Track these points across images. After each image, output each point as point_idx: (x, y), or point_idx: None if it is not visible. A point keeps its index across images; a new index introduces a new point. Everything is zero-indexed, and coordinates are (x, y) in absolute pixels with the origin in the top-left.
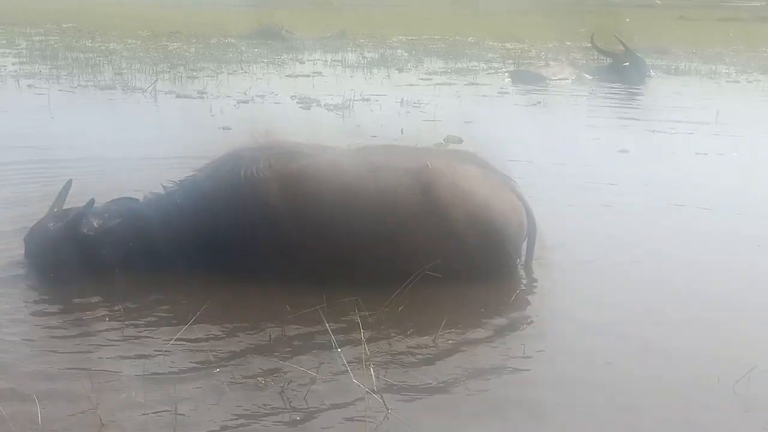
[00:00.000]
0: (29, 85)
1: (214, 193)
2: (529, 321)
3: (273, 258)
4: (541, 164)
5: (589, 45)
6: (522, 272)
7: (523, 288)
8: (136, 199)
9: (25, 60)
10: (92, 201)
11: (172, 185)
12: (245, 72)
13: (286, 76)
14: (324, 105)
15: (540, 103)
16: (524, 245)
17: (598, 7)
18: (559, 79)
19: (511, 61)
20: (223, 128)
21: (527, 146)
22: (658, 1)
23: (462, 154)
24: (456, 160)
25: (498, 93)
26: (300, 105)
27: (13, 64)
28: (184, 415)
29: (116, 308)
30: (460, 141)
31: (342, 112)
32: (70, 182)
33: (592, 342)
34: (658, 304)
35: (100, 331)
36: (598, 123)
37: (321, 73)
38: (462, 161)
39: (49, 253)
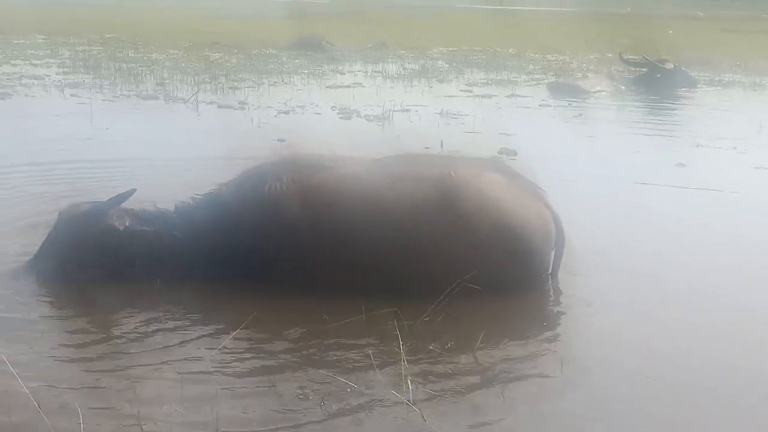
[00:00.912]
0: (72, 95)
1: (238, 209)
2: (566, 335)
3: (298, 271)
4: (596, 178)
5: (631, 57)
6: (555, 284)
7: (560, 300)
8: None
9: (68, 70)
10: (132, 190)
11: (199, 197)
12: (286, 83)
13: (327, 87)
14: (364, 116)
15: (581, 115)
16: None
17: (641, 18)
18: (598, 91)
19: (552, 73)
20: (278, 140)
21: (577, 160)
22: (701, 13)
23: (488, 162)
24: (481, 169)
25: (539, 105)
26: (340, 116)
27: (57, 74)
28: (224, 423)
29: (157, 318)
30: (515, 154)
31: (382, 122)
32: (133, 190)
33: (631, 356)
34: (699, 317)
35: (142, 340)
36: (642, 136)
37: (361, 84)
38: (488, 169)
39: (72, 231)
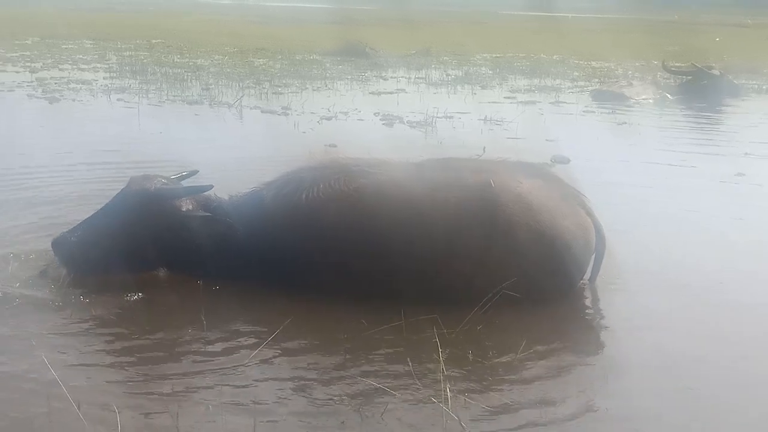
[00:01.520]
0: (119, 99)
1: (277, 215)
2: (610, 345)
3: (336, 276)
4: (643, 187)
5: (676, 64)
6: (595, 292)
7: (603, 309)
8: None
9: (115, 75)
10: (209, 186)
11: (237, 195)
12: (329, 88)
13: (370, 93)
14: (407, 122)
15: (626, 123)
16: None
17: (688, 26)
18: (642, 99)
19: (596, 80)
20: (329, 145)
21: (623, 168)
22: (749, 21)
23: (530, 167)
24: (523, 175)
25: (582, 112)
26: (383, 122)
27: (104, 79)
28: (261, 428)
29: (198, 321)
30: (568, 161)
31: (425, 129)
32: (195, 171)
33: (673, 368)
34: (751, 330)
35: (182, 342)
36: (692, 144)
37: (404, 90)
38: (529, 175)
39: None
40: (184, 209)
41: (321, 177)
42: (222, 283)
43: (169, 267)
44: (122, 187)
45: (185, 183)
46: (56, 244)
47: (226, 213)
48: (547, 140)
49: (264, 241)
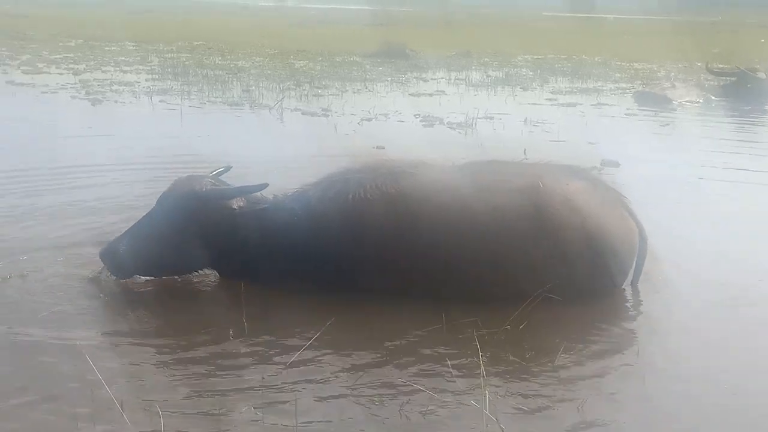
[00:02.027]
0: (161, 101)
1: (323, 216)
2: (650, 349)
3: (382, 278)
4: (696, 189)
5: (719, 66)
6: (637, 294)
7: (644, 312)
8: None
9: (157, 77)
10: (264, 185)
11: (281, 197)
12: (369, 90)
13: (410, 94)
14: (447, 123)
15: (669, 125)
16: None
17: (732, 27)
18: (686, 101)
19: (639, 82)
20: (377, 147)
21: (667, 170)
22: None
23: (572, 169)
24: (568, 177)
25: (624, 114)
26: (423, 123)
27: (146, 81)
28: (303, 429)
29: (240, 323)
30: (618, 165)
31: (465, 130)
32: (229, 167)
33: (718, 371)
34: None
35: (223, 343)
36: (735, 146)
37: (444, 91)
38: (574, 177)
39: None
40: (236, 210)
41: (367, 178)
42: (264, 284)
43: (217, 269)
44: (165, 190)
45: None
46: (105, 253)
47: (276, 213)
48: (589, 143)
49: (311, 242)
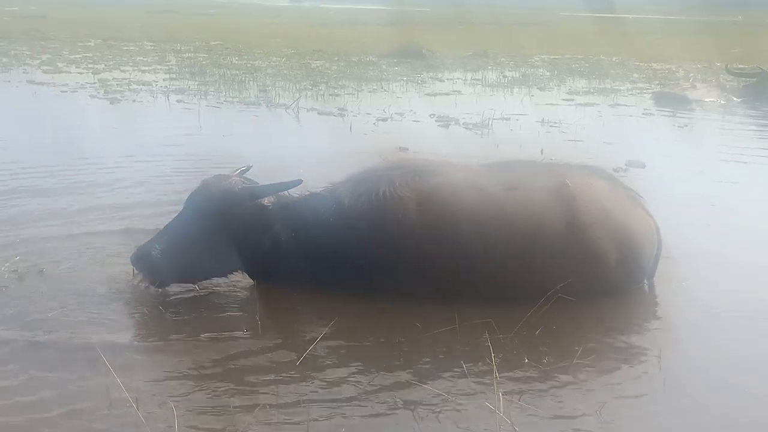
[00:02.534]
0: (178, 100)
1: (353, 211)
2: (670, 350)
3: (412, 276)
4: (717, 189)
5: (741, 66)
6: (654, 294)
7: (663, 313)
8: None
9: (174, 76)
10: (299, 180)
11: (309, 194)
12: (385, 90)
13: (426, 94)
14: (463, 123)
15: (686, 126)
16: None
17: (752, 27)
18: (707, 102)
19: (657, 82)
20: (400, 148)
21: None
22: None
23: (592, 169)
24: (590, 177)
25: (642, 114)
26: (438, 123)
27: (163, 80)
28: (315, 428)
29: (253, 321)
30: (643, 165)
31: (481, 130)
32: (249, 166)
33: (741, 375)
34: None
35: (237, 340)
36: (759, 146)
37: (460, 91)
38: (596, 178)
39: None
40: (270, 208)
41: (397, 175)
42: (280, 285)
43: (249, 271)
44: (194, 190)
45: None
46: (136, 259)
47: (306, 211)
48: (605, 142)
49: (343, 238)
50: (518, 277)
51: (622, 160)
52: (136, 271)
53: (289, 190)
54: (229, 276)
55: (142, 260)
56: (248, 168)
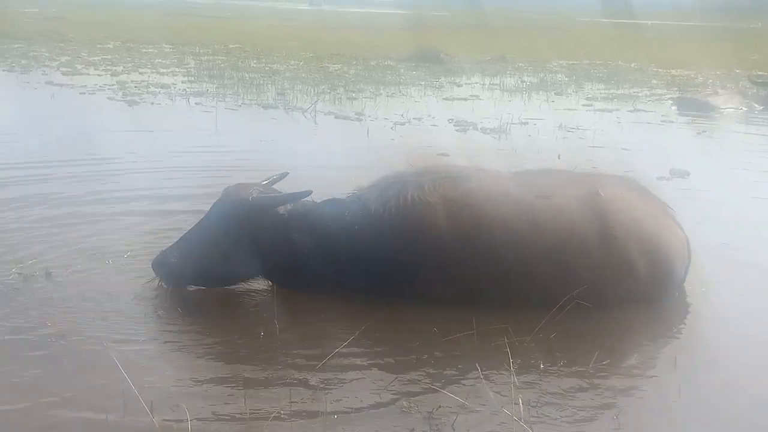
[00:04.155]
0: (197, 103)
1: (381, 216)
2: (688, 357)
3: (439, 282)
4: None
5: (761, 73)
6: (677, 302)
7: (684, 320)
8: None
9: (193, 79)
10: (308, 192)
11: (335, 201)
12: (403, 94)
13: (444, 98)
14: (480, 128)
15: (705, 132)
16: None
17: None
18: (728, 109)
19: (675, 89)
20: (441, 154)
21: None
22: None
23: (624, 179)
24: (621, 187)
25: (661, 120)
26: (456, 128)
27: (182, 83)
28: None
29: (271, 325)
30: (687, 174)
31: (498, 135)
32: (285, 174)
33: (754, 381)
34: None
35: (254, 346)
36: None
37: (478, 96)
38: (626, 188)
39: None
40: (286, 216)
41: (425, 181)
42: (318, 291)
43: (270, 278)
44: (216, 199)
45: (277, 187)
46: (157, 264)
47: (331, 216)
48: (623, 149)
49: (369, 244)
50: (547, 286)
51: (666, 168)
52: (156, 276)
53: (313, 197)
54: (247, 281)
55: (163, 266)
56: (283, 176)
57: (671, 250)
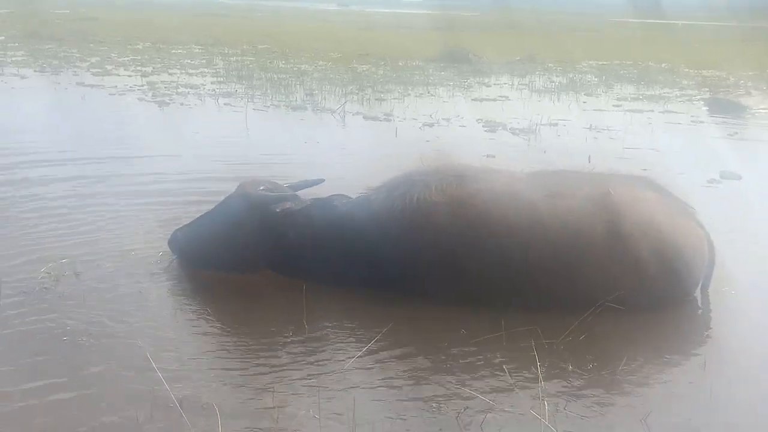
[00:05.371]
0: (226, 104)
1: (386, 216)
2: (717, 359)
3: (445, 282)
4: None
5: None
6: (705, 304)
7: (711, 323)
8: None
9: (222, 79)
10: (320, 180)
11: (345, 202)
12: (431, 95)
13: (472, 99)
14: (510, 129)
15: (737, 134)
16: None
17: None
18: (761, 110)
19: (706, 89)
20: (488, 156)
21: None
22: None
23: (639, 179)
24: (637, 187)
25: (691, 121)
26: (485, 129)
27: (211, 83)
28: None
29: (299, 325)
30: (739, 178)
31: (528, 136)
32: (321, 180)
33: None
34: None
35: (283, 344)
36: None
37: (507, 97)
38: (643, 188)
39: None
40: (280, 214)
41: (433, 181)
42: (326, 286)
43: (273, 269)
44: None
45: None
46: (171, 242)
47: (328, 215)
48: (653, 150)
49: (371, 242)
50: (553, 286)
51: (716, 170)
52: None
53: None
54: (274, 279)
55: (174, 243)
56: (318, 181)
57: (686, 250)
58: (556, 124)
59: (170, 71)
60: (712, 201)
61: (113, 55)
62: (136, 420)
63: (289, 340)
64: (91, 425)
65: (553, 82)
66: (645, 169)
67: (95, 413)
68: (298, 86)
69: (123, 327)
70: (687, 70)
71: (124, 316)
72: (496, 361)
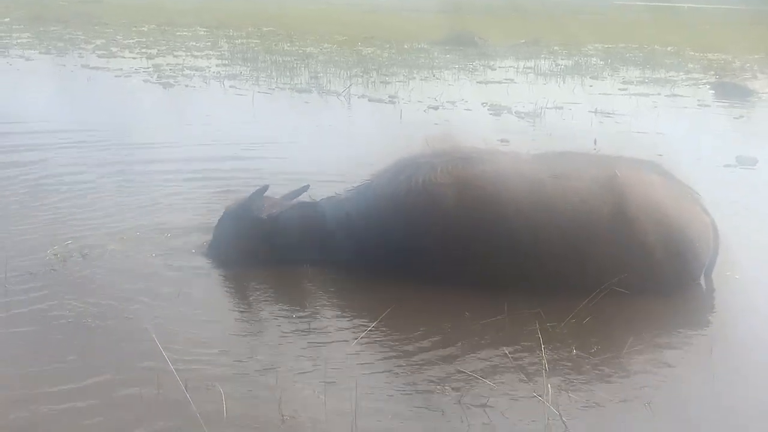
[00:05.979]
0: (231, 86)
1: (392, 199)
2: (722, 342)
3: (450, 265)
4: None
5: None
6: (710, 288)
7: (715, 305)
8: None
9: (227, 62)
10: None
11: (349, 190)
12: (437, 78)
13: (477, 82)
14: (515, 112)
15: (743, 117)
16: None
17: None
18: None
19: (712, 73)
20: (502, 141)
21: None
22: None
23: (645, 163)
24: (642, 170)
25: (697, 105)
26: (490, 112)
27: (216, 66)
28: (362, 414)
29: (302, 307)
30: (755, 162)
31: (533, 119)
32: (306, 186)
33: None
34: None
35: (286, 326)
36: None
37: (513, 80)
38: (648, 171)
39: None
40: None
41: (439, 162)
42: (329, 267)
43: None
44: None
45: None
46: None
47: (342, 201)
48: (658, 133)
49: (378, 225)
50: (560, 268)
51: (732, 155)
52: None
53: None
54: (279, 265)
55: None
56: (304, 188)
57: (690, 235)
58: (561, 108)
59: (175, 53)
60: (731, 186)
61: (118, 37)
62: (141, 399)
63: (292, 322)
64: (96, 404)
65: (559, 65)
66: (660, 155)
67: (101, 393)
68: (303, 69)
69: (129, 308)
70: (693, 53)
71: (130, 298)
72: (500, 343)
